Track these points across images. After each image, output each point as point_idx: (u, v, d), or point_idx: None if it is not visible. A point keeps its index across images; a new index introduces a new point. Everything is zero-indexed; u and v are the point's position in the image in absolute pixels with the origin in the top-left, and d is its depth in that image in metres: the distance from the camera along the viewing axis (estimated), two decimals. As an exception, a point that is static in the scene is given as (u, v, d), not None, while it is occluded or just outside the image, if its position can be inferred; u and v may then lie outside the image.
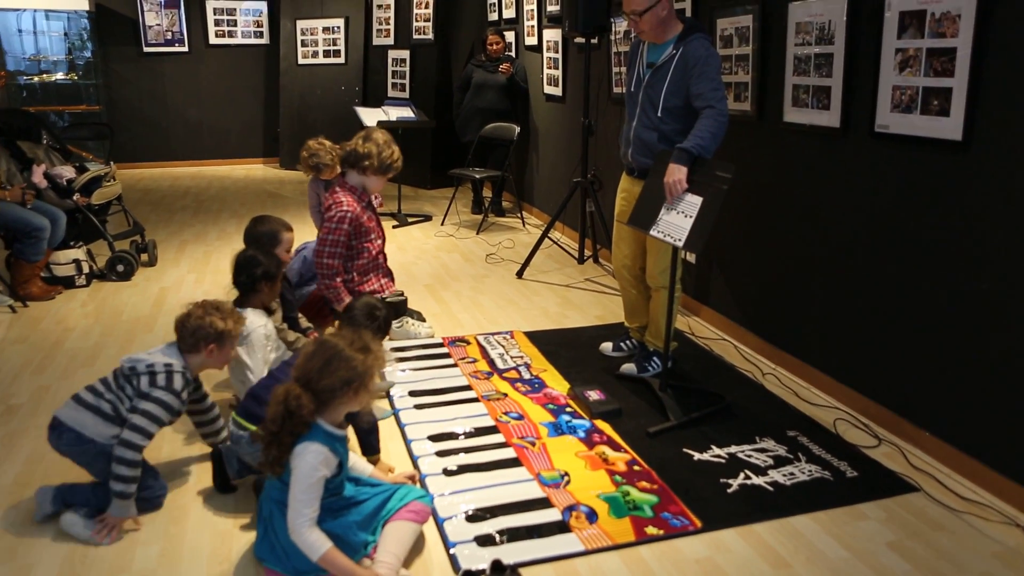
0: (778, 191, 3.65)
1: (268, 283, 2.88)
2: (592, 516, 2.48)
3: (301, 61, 9.04)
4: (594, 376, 3.58)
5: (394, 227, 6.61)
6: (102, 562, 2.28)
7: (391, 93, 8.47)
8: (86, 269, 4.80)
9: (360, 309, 2.67)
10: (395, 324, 4.08)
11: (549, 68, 6.33)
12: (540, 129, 6.77)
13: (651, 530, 2.42)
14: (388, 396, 3.34)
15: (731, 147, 3.87)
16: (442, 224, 6.73)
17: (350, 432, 2.69)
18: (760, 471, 2.78)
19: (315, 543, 2.04)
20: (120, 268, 4.93)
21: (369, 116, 6.56)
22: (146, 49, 8.97)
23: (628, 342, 3.84)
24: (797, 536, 2.42)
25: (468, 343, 3.96)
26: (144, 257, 5.28)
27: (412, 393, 3.37)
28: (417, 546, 2.33)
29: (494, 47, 6.73)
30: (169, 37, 8.99)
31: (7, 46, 8.33)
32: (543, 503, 2.55)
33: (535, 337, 4.06)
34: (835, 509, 2.56)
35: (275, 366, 2.84)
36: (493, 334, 4.10)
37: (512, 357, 3.78)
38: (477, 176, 6.49)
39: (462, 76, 6.98)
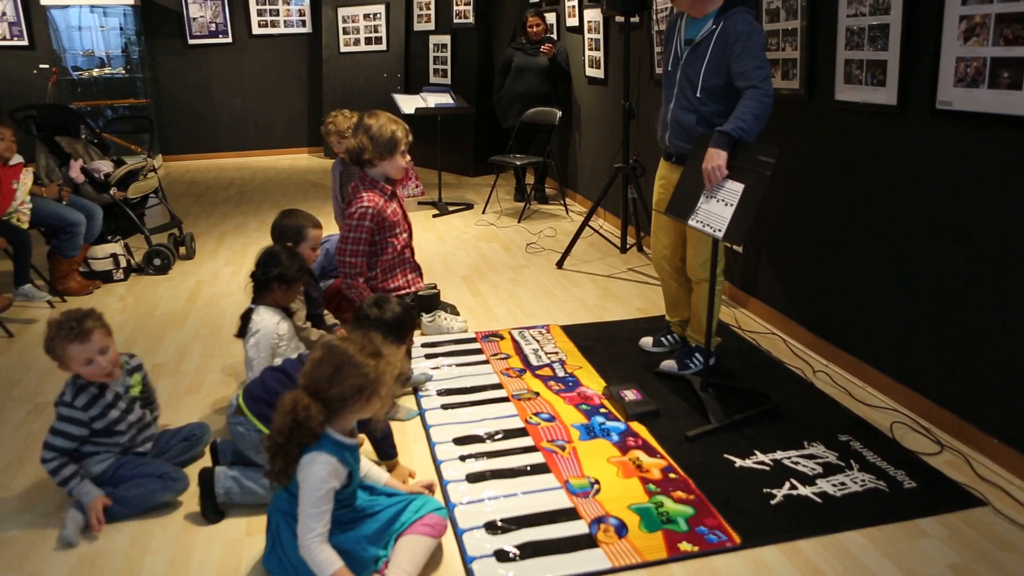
0: (830, 175, 3.40)
1: (283, 285, 2.77)
2: (622, 529, 2.32)
3: (343, 49, 8.98)
4: (632, 373, 3.40)
5: (434, 216, 6.51)
6: (111, 571, 2.22)
7: (432, 79, 8.35)
8: (123, 263, 4.81)
9: (369, 307, 2.55)
10: (427, 318, 3.97)
11: (590, 49, 6.11)
12: (583, 113, 6.56)
13: (685, 546, 2.24)
14: (416, 395, 3.23)
15: (779, 128, 3.63)
16: (483, 213, 6.59)
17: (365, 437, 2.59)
18: (807, 480, 2.57)
19: (324, 562, 1.93)
20: (157, 262, 4.92)
21: (407, 103, 6.45)
22: (191, 41, 9.01)
23: (669, 337, 3.64)
24: (847, 555, 2.22)
25: (502, 338, 3.82)
26: (182, 250, 5.28)
27: (440, 392, 3.25)
28: (434, 560, 2.21)
29: (534, 29, 6.54)
30: (213, 29, 9.02)
31: (66, 42, 8.46)
32: (570, 514, 2.40)
33: (572, 331, 3.89)
34: (890, 525, 2.34)
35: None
36: (528, 328, 3.94)
37: (547, 353, 3.63)
38: (518, 163, 6.32)
39: (502, 60, 6.80)
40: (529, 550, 2.23)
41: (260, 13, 9.20)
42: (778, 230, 3.82)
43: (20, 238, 4.08)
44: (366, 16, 8.73)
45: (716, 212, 2.83)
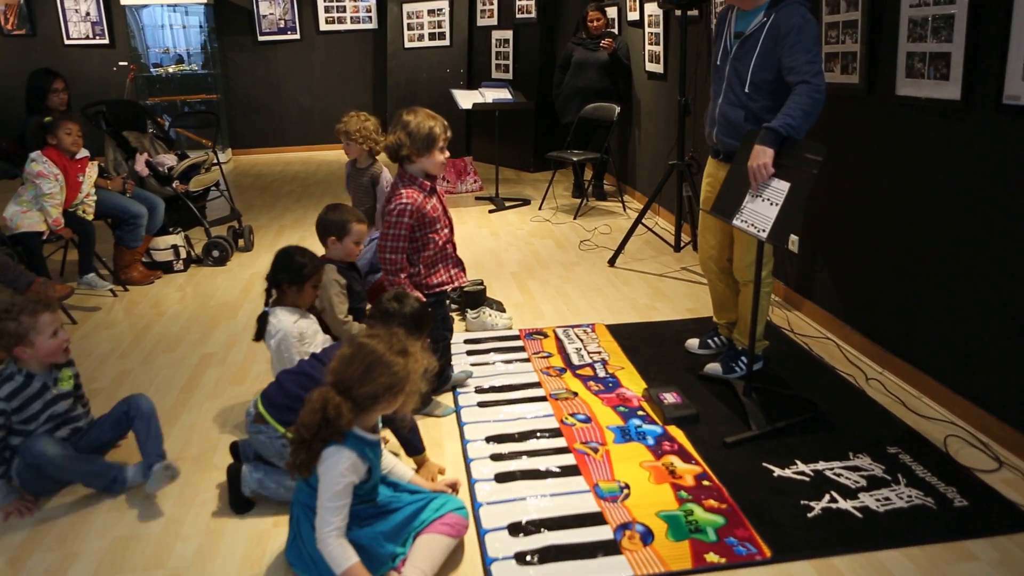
0: (890, 174, 3.24)
1: (293, 287, 2.78)
2: (648, 537, 2.26)
3: (407, 45, 9.06)
4: (675, 376, 3.32)
5: (490, 211, 6.50)
6: (141, 556, 2.28)
7: (494, 75, 8.35)
8: (183, 254, 4.96)
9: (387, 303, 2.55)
10: (471, 314, 3.96)
11: (651, 44, 5.99)
12: (642, 109, 6.45)
13: (711, 557, 2.17)
14: (454, 392, 3.22)
15: (837, 125, 3.49)
16: (539, 209, 6.55)
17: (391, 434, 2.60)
18: (849, 493, 2.46)
19: (339, 557, 1.93)
20: (215, 254, 5.05)
21: (465, 99, 6.46)
22: (260, 38, 9.24)
23: (716, 339, 3.55)
24: (884, 575, 2.11)
25: (545, 336, 3.79)
26: (240, 243, 5.41)
27: (478, 390, 3.24)
28: (454, 559, 2.20)
29: (595, 23, 6.46)
30: (282, 25, 9.22)
31: (146, 41, 8.78)
32: (596, 519, 2.35)
33: (617, 331, 3.82)
34: (935, 545, 2.22)
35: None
36: (573, 327, 3.90)
37: (590, 352, 3.57)
38: (574, 159, 6.26)
39: (562, 55, 6.74)
40: (550, 554, 2.20)
41: (327, 10, 9.36)
42: (835, 231, 3.67)
43: (85, 229, 4.25)
44: (430, 12, 8.78)
45: (761, 212, 2.73)
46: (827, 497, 2.44)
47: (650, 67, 6.08)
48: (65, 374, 2.60)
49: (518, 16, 7.94)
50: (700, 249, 3.44)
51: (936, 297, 3.00)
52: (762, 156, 2.72)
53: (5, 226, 4.12)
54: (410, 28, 8.99)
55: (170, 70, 8.93)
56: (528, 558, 2.18)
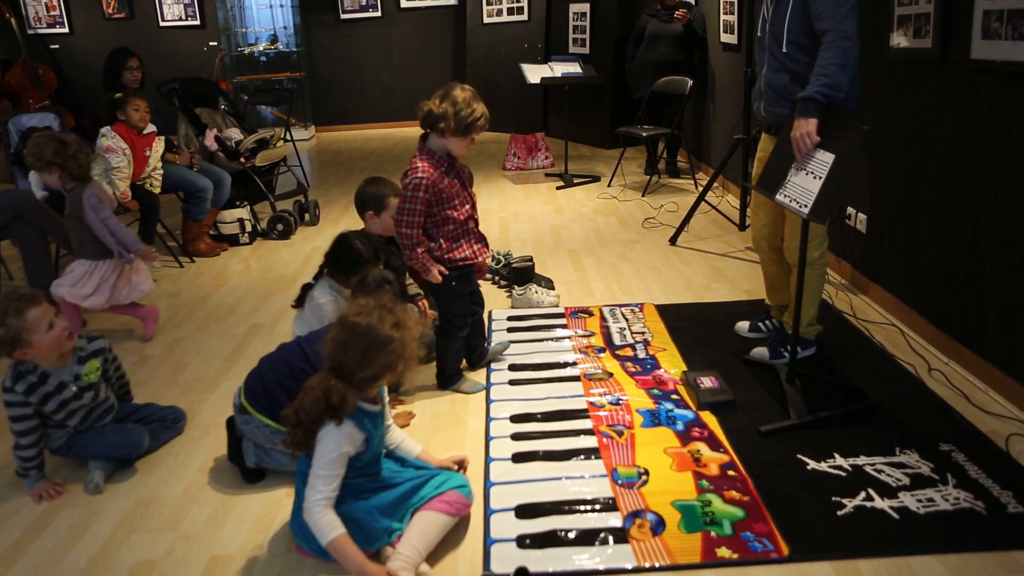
0: (965, 149, 2.96)
1: (339, 274, 2.79)
2: (659, 526, 2.15)
3: (486, 20, 8.99)
4: (719, 359, 3.16)
5: (558, 188, 6.39)
6: (158, 517, 2.33)
7: (571, 49, 8.18)
8: (249, 227, 5.07)
9: (373, 282, 2.53)
10: (518, 291, 3.89)
11: (725, 14, 5.71)
12: (717, 82, 6.17)
13: (723, 552, 2.04)
14: (488, 367, 3.16)
15: (908, 95, 3.22)
16: (608, 185, 6.39)
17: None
18: (888, 492, 2.27)
19: (325, 527, 1.90)
20: (280, 227, 5.15)
21: (534, 73, 6.35)
22: (343, 16, 9.36)
23: (768, 322, 3.35)
24: (912, 582, 1.93)
25: (591, 314, 3.67)
26: (306, 217, 5.50)
27: (512, 367, 3.17)
28: (455, 537, 2.15)
29: (671, -7, 6.21)
30: (364, 3, 9.31)
31: (236, 21, 9.04)
32: (608, 504, 2.25)
33: (666, 311, 3.67)
34: (978, 554, 2.01)
35: None
36: (621, 306, 3.77)
37: (633, 332, 3.44)
38: (644, 134, 6.05)
39: (637, 27, 6.52)
40: (552, 539, 2.12)
41: (408, -14, 9.38)
42: (903, 210, 3.40)
43: (150, 201, 4.39)
44: (509, -14, 8.68)
45: (804, 186, 2.54)
46: (862, 495, 2.26)
47: (725, 38, 5.80)
48: (91, 366, 2.50)
49: (595, -12, 7.74)
50: (752, 228, 3.25)
51: (1011, 284, 2.73)
52: (804, 126, 2.53)
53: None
54: (489, 3, 8.91)
55: (260, 48, 9.17)
56: (529, 541, 2.11)
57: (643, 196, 5.98)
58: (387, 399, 2.20)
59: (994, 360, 2.82)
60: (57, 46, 8.86)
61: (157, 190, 4.49)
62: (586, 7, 7.87)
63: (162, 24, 9.11)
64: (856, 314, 3.57)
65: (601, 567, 2.01)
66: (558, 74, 6.31)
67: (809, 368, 3.01)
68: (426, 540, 2.03)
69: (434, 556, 2.08)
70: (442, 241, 2.79)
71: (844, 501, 2.23)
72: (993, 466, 2.37)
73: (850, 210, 3.89)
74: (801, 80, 2.68)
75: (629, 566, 2.01)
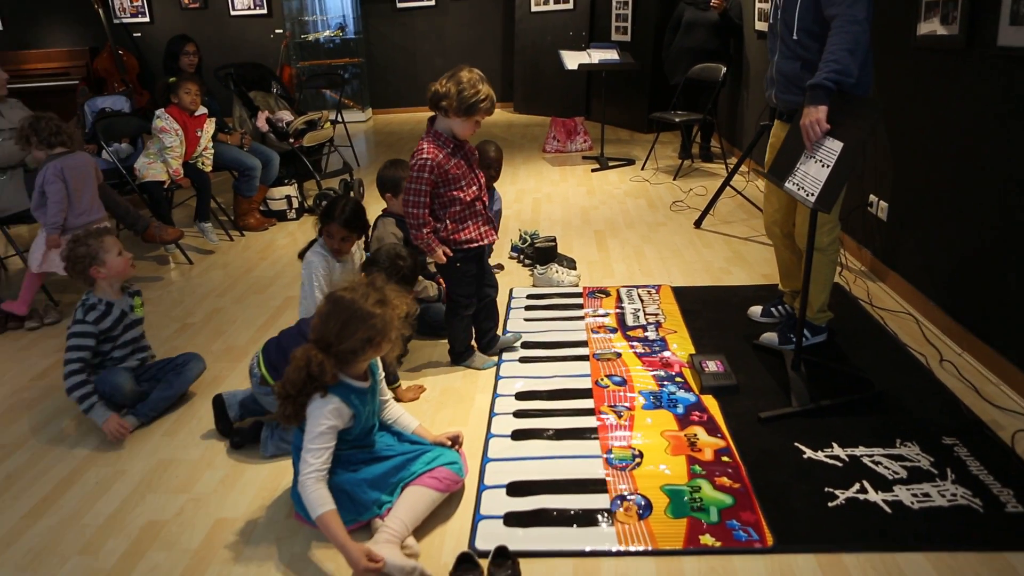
0: (989, 137, 2.71)
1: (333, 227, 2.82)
2: (645, 510, 2.03)
3: (534, 8, 8.75)
4: (730, 343, 2.99)
5: (593, 170, 6.20)
6: (175, 478, 2.31)
7: (613, 36, 7.91)
8: (295, 204, 5.05)
9: (385, 255, 2.44)
10: (539, 270, 3.77)
11: (760, 2, 5.41)
12: (751, 69, 5.87)
13: (706, 539, 1.91)
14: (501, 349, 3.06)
15: (934, 82, 2.96)
16: (642, 169, 6.17)
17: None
18: (884, 485, 2.10)
19: (315, 501, 1.83)
20: (324, 204, 5.10)
21: (571, 59, 6.14)
22: (399, 5, 9.24)
23: (780, 308, 3.16)
24: (897, 580, 1.78)
25: (608, 295, 3.53)
26: (351, 195, 5.44)
27: (525, 345, 3.06)
28: (444, 512, 2.07)
29: (710, -20, 5.91)
30: (419, -8, 9.16)
31: (312, 8, 8.99)
32: (598, 486, 2.14)
33: (682, 293, 3.51)
34: (970, 553, 1.84)
35: None
36: (638, 287, 3.61)
37: (647, 314, 3.29)
38: (676, 119, 5.81)
39: (674, 15, 6.24)
40: (538, 518, 2.02)
41: (461, -24, 9.19)
42: (924, 198, 3.15)
43: (202, 179, 4.39)
44: (555, -25, 8.42)
45: (812, 174, 2.34)
46: (856, 486, 2.09)
47: (759, 26, 5.50)
48: (137, 302, 2.73)
49: (637, -23, 7.44)
50: (764, 214, 3.05)
51: (1025, 274, 2.50)
52: (812, 114, 2.33)
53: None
54: (537, -8, 8.67)
55: (325, 35, 9.13)
56: (515, 519, 2.01)
57: (674, 179, 5.76)
58: (381, 376, 2.12)
59: (1008, 354, 2.59)
60: (140, 34, 8.96)
61: (208, 168, 4.49)
62: (628, -5, 7.58)
63: (232, 13, 9.13)
64: (873, 301, 3.34)
65: (582, 548, 1.90)
66: (595, 61, 6.09)
67: (817, 355, 2.82)
68: (413, 514, 1.95)
69: (423, 529, 2.00)
70: (448, 222, 2.68)
71: (837, 492, 2.07)
72: (996, 462, 2.17)
73: (872, 198, 3.64)
74: (812, 67, 2.47)
75: (611, 549, 1.90)
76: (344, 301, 1.85)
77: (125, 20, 9.04)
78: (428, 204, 2.60)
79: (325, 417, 1.86)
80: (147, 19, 9.16)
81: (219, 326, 3.42)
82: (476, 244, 2.74)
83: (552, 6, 8.58)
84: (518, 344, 3.08)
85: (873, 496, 2.05)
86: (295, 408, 1.88)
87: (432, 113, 2.65)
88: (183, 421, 2.63)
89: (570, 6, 8.41)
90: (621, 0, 7.72)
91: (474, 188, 2.70)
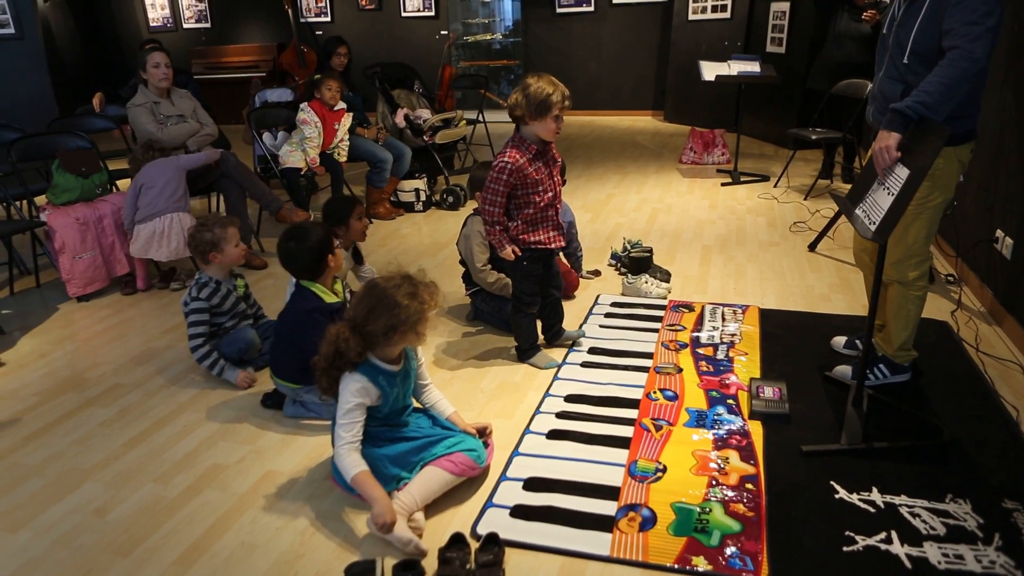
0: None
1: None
2: (648, 523, 2.02)
3: (691, 17, 8.59)
4: (801, 372, 2.86)
5: (723, 184, 6.03)
6: (246, 431, 2.59)
7: (769, 48, 7.59)
8: (423, 197, 5.34)
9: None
10: (629, 279, 3.77)
11: (917, 13, 4.99)
12: (906, 86, 5.44)
13: (699, 561, 1.88)
14: (570, 347, 3.12)
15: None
16: (774, 186, 5.92)
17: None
18: (914, 538, 1.95)
19: (349, 465, 2.01)
20: (450, 199, 5.36)
21: (709, 70, 6.00)
22: (558, 10, 9.40)
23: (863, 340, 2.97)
24: (888, 636, 1.66)
25: (692, 310, 3.47)
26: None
27: (591, 350, 3.09)
28: (459, 495, 2.17)
29: (866, -9, 5.54)
30: (579, -1, 9.28)
31: (463, 13, 9.44)
32: (611, 493, 2.15)
33: (769, 316, 3.37)
34: (986, 623, 1.68)
35: None
36: (726, 305, 3.52)
37: (725, 333, 3.21)
38: (812, 137, 5.51)
39: (831, 26, 5.90)
40: (544, 514, 2.07)
41: (622, -17, 9.20)
42: (1049, 237, 2.83)
43: (335, 168, 4.77)
44: (715, -17, 8.22)
45: (880, 202, 2.20)
46: (882, 535, 1.96)
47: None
48: (240, 283, 3.10)
49: (798, -14, 7.10)
50: (854, 241, 2.88)
51: None
52: (884, 139, 2.18)
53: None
54: (695, 0, 8.51)
55: (487, 37, 9.50)
56: (522, 512, 2.08)
57: (805, 199, 5.47)
58: (421, 361, 2.25)
59: (1111, 419, 2.29)
60: (321, 32, 9.78)
61: (343, 159, 4.87)
62: (786, 6, 7.25)
63: (403, 15, 9.73)
64: (979, 345, 3.04)
65: (574, 549, 1.94)
66: (734, 72, 5.91)
67: (889, 394, 2.64)
68: (425, 492, 2.08)
69: (436, 508, 2.12)
70: (520, 222, 2.77)
71: (858, 538, 1.96)
72: (1057, 535, 1.95)
73: (998, 233, 3.30)
74: None
75: (601, 554, 1.92)
76: (378, 288, 2.01)
77: (310, 19, 9.90)
78: (504, 204, 2.72)
79: (352, 394, 2.03)
80: (328, 19, 9.96)
81: (324, 302, 3.73)
82: (543, 247, 2.82)
83: (709, 15, 8.39)
84: (582, 342, 3.12)
85: (897, 548, 1.91)
86: (328, 382, 2.06)
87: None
88: (265, 382, 2.92)
89: (727, 15, 8.17)
90: (779, 11, 7.41)
91: (550, 194, 2.79)
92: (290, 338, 2.57)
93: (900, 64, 2.38)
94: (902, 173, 2.13)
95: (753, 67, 5.92)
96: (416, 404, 2.32)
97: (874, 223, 2.16)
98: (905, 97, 2.37)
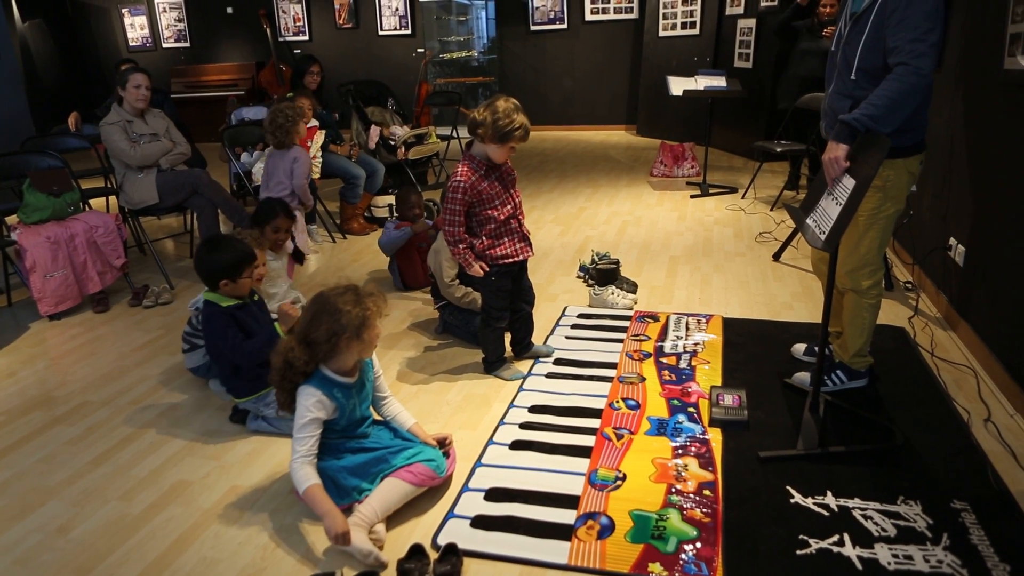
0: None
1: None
2: (607, 531, 2.02)
3: (662, 33, 8.70)
4: (761, 379, 2.88)
5: (692, 196, 6.08)
6: (213, 447, 2.57)
7: (736, 63, 7.70)
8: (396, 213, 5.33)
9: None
10: (596, 291, 3.78)
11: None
12: (867, 99, 5.53)
13: (655, 567, 1.88)
14: (536, 360, 3.12)
15: (1019, 122, 2.72)
16: (741, 198, 5.98)
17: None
18: (865, 540, 1.96)
19: (301, 479, 2.00)
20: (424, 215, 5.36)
21: (677, 85, 6.06)
22: (532, 28, 9.48)
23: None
24: (836, 638, 1.67)
25: (656, 320, 3.49)
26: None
27: (556, 361, 3.10)
28: (422, 505, 2.17)
29: (827, 9, 5.64)
30: (552, 16, 9.36)
31: (439, 31, 9.51)
32: (571, 502, 2.16)
33: (732, 325, 3.40)
34: (931, 622, 1.70)
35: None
36: (690, 315, 3.54)
37: (687, 344, 3.23)
38: (777, 149, 5.59)
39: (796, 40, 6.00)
40: (504, 524, 2.07)
41: (593, 0, 9.29)
42: (1004, 245, 2.87)
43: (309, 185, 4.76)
44: (684, 0, 8.32)
45: (829, 212, 2.24)
46: (835, 538, 1.98)
47: (873, 54, 5.17)
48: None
49: (763, 4, 7.21)
50: (811, 251, 2.91)
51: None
52: (833, 150, 2.22)
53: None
54: (665, 17, 8.61)
55: (463, 54, 9.55)
56: (482, 523, 2.07)
57: (771, 210, 5.53)
58: (379, 373, 2.25)
59: (1056, 420, 2.33)
60: (299, 51, 9.79)
61: (317, 175, 4.86)
62: (752, 22, 7.37)
63: (380, 33, 9.76)
64: (935, 351, 3.08)
65: (532, 558, 1.93)
66: (701, 87, 5.98)
67: (846, 399, 2.66)
68: (385, 504, 2.07)
69: (398, 519, 2.11)
70: (484, 238, 2.78)
71: (811, 541, 1.97)
72: (1004, 535, 1.97)
73: (951, 240, 3.35)
74: None
75: (560, 562, 1.92)
76: (322, 296, 2.02)
77: (288, 38, 9.90)
78: (463, 223, 2.72)
79: (307, 409, 2.02)
80: (306, 37, 9.98)
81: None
82: (511, 260, 2.83)
83: (679, 31, 8.49)
84: (550, 358, 3.12)
85: (849, 550, 1.93)
86: (284, 396, 2.06)
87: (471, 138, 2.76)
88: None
89: (696, 32, 8.28)
90: (746, 27, 7.51)
91: (508, 207, 2.79)
92: (212, 351, 2.66)
93: (848, 80, 2.42)
94: (848, 184, 2.17)
95: (719, 81, 5.99)
96: (377, 417, 2.31)
97: (824, 232, 2.19)
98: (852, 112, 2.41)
